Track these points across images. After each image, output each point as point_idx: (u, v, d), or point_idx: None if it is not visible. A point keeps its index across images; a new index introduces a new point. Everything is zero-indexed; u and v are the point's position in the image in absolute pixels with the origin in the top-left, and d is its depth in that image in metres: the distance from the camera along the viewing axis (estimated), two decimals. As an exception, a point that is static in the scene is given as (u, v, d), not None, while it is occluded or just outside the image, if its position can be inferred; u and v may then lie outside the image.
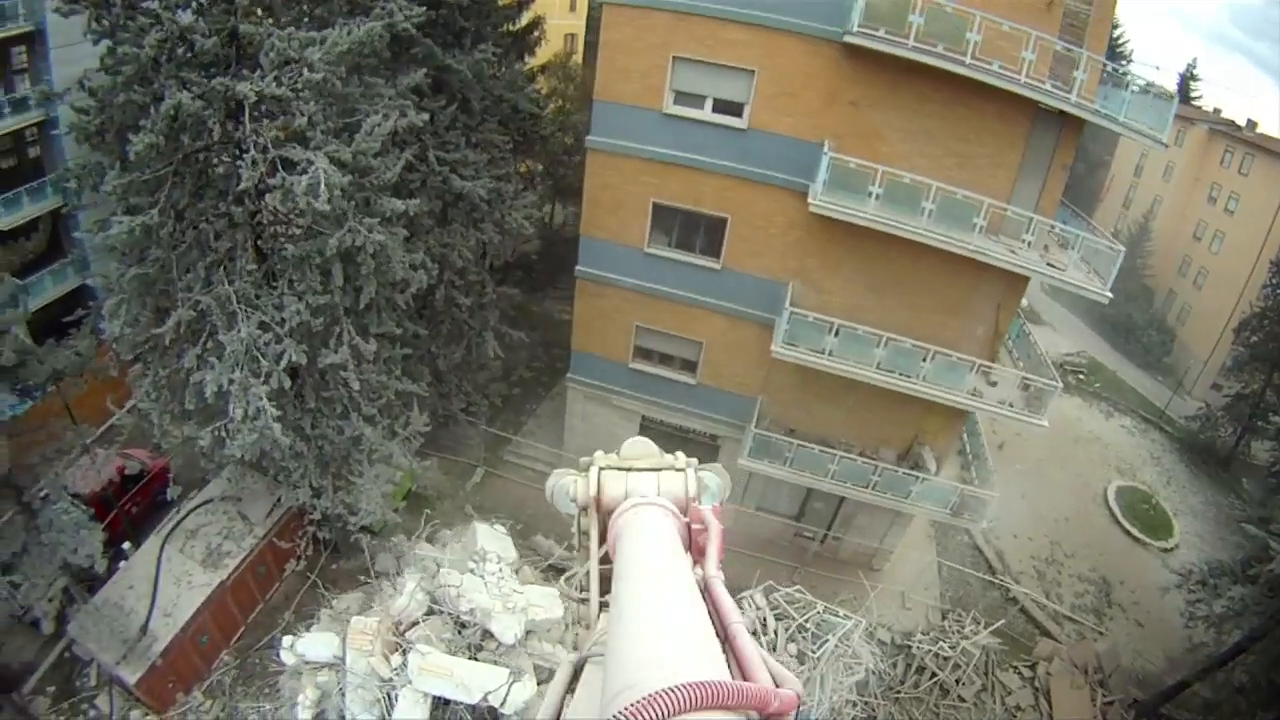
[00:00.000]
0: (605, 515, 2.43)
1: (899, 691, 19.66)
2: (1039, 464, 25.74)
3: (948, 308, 18.02)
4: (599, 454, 2.50)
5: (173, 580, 16.97)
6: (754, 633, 17.59)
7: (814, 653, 17.35)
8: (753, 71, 16.68)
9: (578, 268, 18.43)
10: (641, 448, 2.61)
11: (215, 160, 14.87)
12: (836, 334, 17.23)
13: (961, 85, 15.35)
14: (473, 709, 12.45)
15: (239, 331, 13.49)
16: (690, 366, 19.16)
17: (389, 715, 12.27)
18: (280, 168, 13.15)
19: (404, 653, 12.51)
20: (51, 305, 21.45)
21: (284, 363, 13.42)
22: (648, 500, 2.35)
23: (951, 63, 15.05)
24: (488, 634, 12.68)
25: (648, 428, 20.36)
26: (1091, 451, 27.81)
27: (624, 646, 1.54)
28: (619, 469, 2.47)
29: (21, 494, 16.49)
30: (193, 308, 14.14)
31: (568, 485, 2.54)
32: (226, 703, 17.20)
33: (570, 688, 1.93)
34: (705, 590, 1.94)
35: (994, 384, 18.61)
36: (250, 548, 17.27)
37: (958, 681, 20.15)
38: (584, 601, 2.43)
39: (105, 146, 15.70)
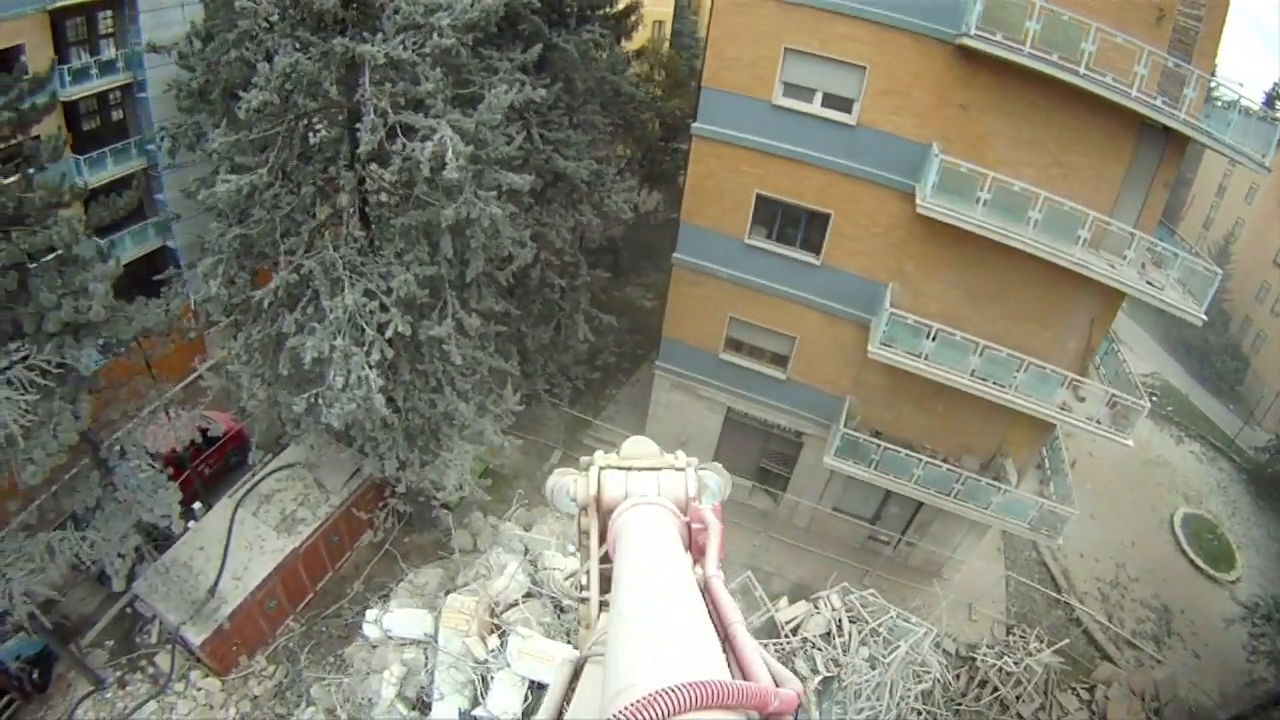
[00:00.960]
0: (605, 515, 2.43)
1: (960, 703, 19.61)
2: (1108, 484, 25.49)
3: (1042, 319, 17.85)
4: (599, 453, 2.52)
5: (244, 544, 17.00)
6: (828, 634, 17.56)
7: (885, 658, 17.33)
8: (864, 68, 16.43)
9: (675, 255, 18.24)
10: (641, 447, 2.63)
11: (324, 123, 14.77)
12: (934, 338, 17.06)
13: (1071, 95, 15.13)
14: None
15: (343, 298, 13.39)
16: (781, 361, 18.96)
17: (482, 698, 12.23)
18: (400, 133, 13.04)
19: (501, 635, 12.47)
20: (130, 265, 21.65)
21: (390, 332, 13.33)
22: (648, 500, 2.36)
23: (1066, 72, 14.83)
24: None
25: (732, 420, 20.26)
26: (1160, 476, 27.53)
27: (624, 646, 1.54)
28: (619, 468, 2.48)
29: (98, 450, 16.55)
30: (294, 271, 14.05)
31: (568, 485, 2.54)
32: (290, 669, 17.27)
33: (570, 687, 1.95)
34: (705, 589, 1.95)
35: (1082, 399, 18.42)
36: (326, 516, 17.27)
37: (1018, 698, 20.08)
38: (584, 601, 2.44)
39: (208, 106, 15.69)
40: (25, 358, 16.33)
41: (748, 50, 16.84)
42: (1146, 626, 23.60)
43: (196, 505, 17.87)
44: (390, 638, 13.54)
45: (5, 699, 17.48)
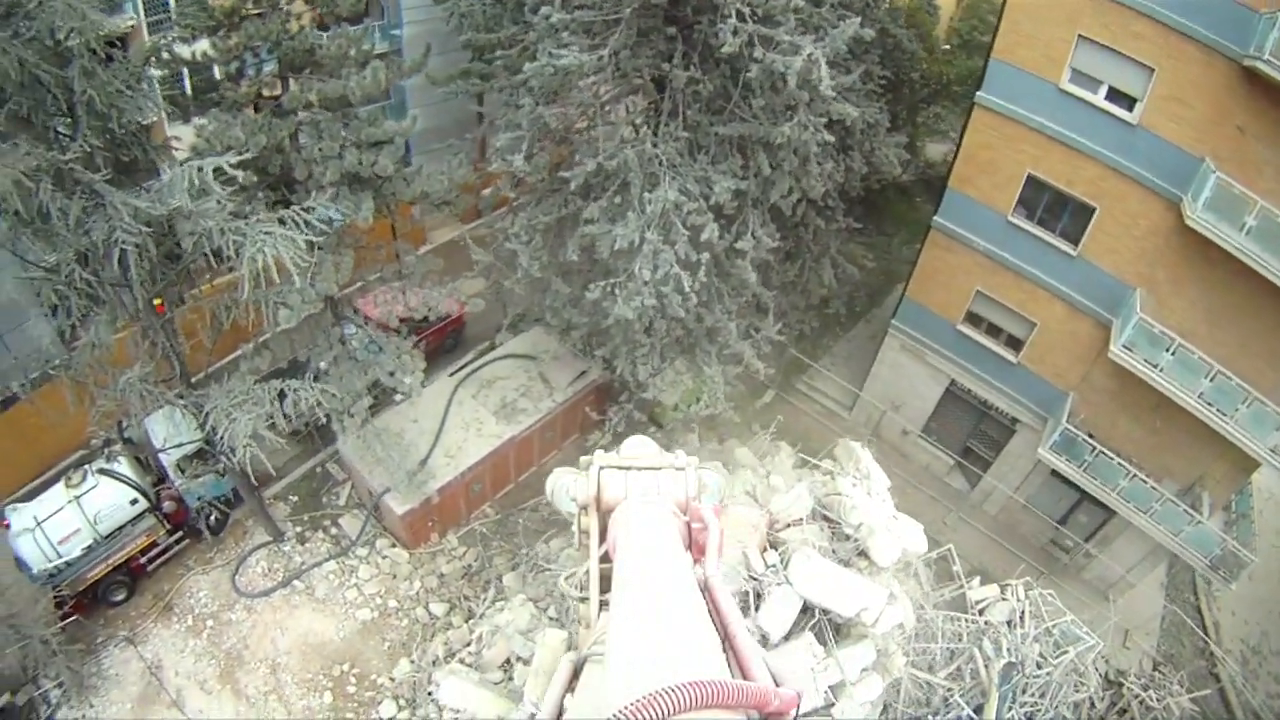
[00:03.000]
0: (605, 514, 2.62)
1: (1099, 725, 21.00)
2: (1267, 550, 26.83)
3: (1272, 358, 19.05)
4: (599, 453, 2.72)
5: (461, 424, 18.39)
6: (1009, 622, 19.00)
7: (1052, 660, 18.78)
8: (1152, 69, 17.61)
9: (935, 218, 19.64)
10: (642, 447, 2.88)
11: (658, 19, 16.05)
12: (1173, 352, 18.41)
13: (1341, 137, 16.29)
14: (835, 621, 13.80)
15: (663, 192, 14.68)
16: (1015, 344, 20.39)
17: (754, 609, 13.47)
18: (757, 43, 14.32)
19: (780, 550, 13.84)
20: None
21: (705, 235, 14.66)
22: (648, 499, 2.54)
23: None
24: (860, 552, 13.99)
25: (952, 393, 21.84)
26: (1317, 553, 28.84)
27: (624, 646, 1.65)
28: (619, 468, 2.67)
29: (338, 306, 17.93)
30: (610, 158, 15.34)
31: (568, 484, 2.74)
32: (481, 553, 18.68)
33: (570, 687, 2.09)
34: (705, 589, 2.10)
35: (1290, 447, 19.71)
36: (546, 411, 18.68)
37: (1150, 736, 21.48)
38: (584, 600, 2.59)
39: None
40: (269, 201, 17.70)
41: (1043, 29, 18.09)
42: (1276, 703, 24.95)
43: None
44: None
45: (178, 535, 18.93)
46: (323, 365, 17.17)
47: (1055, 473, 20.52)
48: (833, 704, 13.84)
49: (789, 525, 14.07)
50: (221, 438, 14.89)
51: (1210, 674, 23.98)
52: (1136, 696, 21.66)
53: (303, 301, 16.00)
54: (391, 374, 16.90)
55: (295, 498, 19.72)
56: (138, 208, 13.28)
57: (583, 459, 2.70)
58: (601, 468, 2.67)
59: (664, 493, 2.63)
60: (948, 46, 27.14)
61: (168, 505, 18.65)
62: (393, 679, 17.43)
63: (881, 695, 15.12)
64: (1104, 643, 20.68)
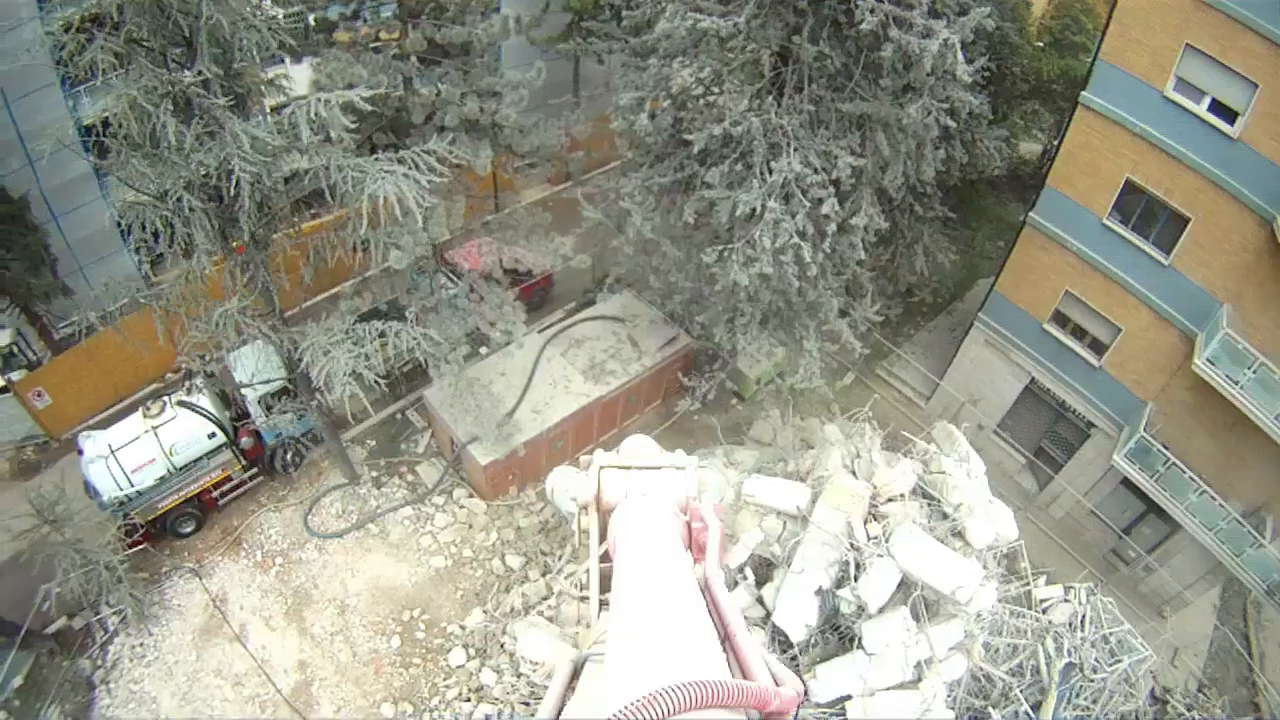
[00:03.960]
0: (605, 514, 2.77)
1: (1143, 740, 21.52)
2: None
3: (1348, 387, 19.66)
4: (599, 453, 2.83)
5: (549, 380, 18.97)
6: (1070, 624, 19.56)
7: (1106, 667, 19.34)
8: (1256, 85, 18.25)
9: (1032, 215, 20.32)
10: (642, 448, 2.99)
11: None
12: (1255, 371, 19.00)
13: None
14: (927, 599, 14.37)
15: (788, 161, 15.28)
16: (1099, 348, 21.06)
17: (854, 579, 14.04)
18: (891, 23, 14.92)
19: (882, 524, 14.42)
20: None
21: (826, 208, 15.26)
22: (648, 499, 2.65)
23: None
24: (955, 533, 14.57)
25: (1031, 392, 22.61)
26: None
27: (624, 645, 1.69)
28: (619, 468, 2.79)
29: (438, 254, 18.46)
30: (735, 124, 15.91)
31: (569, 484, 2.98)
32: (558, 509, 19.16)
33: (570, 686, 2.13)
34: (705, 588, 2.15)
35: (1357, 477, 20.32)
36: (635, 374, 19.28)
37: (1191, 757, 22.03)
38: (584, 600, 3.04)
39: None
40: (380, 144, 18.21)
41: (1151, 36, 18.69)
42: (1313, 742, 25.51)
43: (496, 333, 19.80)
44: (748, 503, 15.37)
45: (252, 471, 19.42)
46: (413, 312, 17.67)
47: (1125, 482, 21.14)
48: (921, 679, 14.41)
49: (890, 500, 14.63)
50: (318, 375, 15.38)
51: (1251, 704, 24.54)
52: (1181, 716, 22.22)
53: (415, 244, 16.44)
54: (492, 323, 17.45)
55: (373, 442, 20.27)
56: (256, 137, 13.68)
57: (583, 458, 2.78)
58: (602, 467, 2.75)
59: (664, 493, 2.70)
60: (1040, 44, 27.75)
61: (245, 441, 19.13)
62: (464, 627, 17.95)
63: (961, 676, 15.68)
64: (1162, 657, 21.31)
